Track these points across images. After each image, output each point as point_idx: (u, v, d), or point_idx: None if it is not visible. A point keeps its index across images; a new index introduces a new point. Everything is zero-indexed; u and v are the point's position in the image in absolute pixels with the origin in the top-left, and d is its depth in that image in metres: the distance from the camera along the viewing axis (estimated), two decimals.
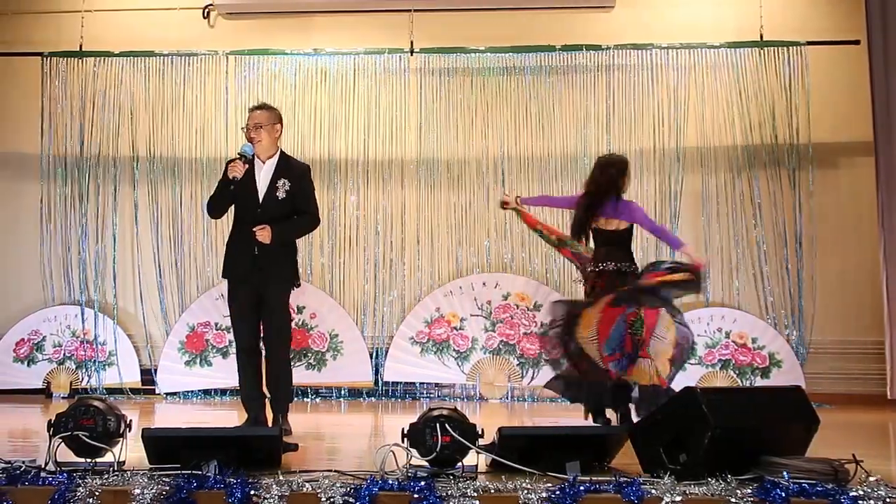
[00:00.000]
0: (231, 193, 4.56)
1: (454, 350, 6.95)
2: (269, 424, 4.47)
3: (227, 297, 4.66)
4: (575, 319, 4.75)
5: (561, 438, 3.18)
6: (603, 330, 4.68)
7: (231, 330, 4.88)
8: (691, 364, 6.72)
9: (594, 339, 4.69)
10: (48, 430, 2.96)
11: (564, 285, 7.06)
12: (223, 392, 6.96)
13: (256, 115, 4.63)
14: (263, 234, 4.42)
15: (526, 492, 2.64)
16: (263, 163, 4.61)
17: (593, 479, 2.73)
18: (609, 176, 4.93)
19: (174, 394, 6.96)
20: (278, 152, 4.68)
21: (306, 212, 4.66)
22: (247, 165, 4.49)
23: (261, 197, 4.55)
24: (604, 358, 4.67)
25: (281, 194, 4.55)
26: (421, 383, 7.00)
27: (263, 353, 4.65)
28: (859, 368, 6.78)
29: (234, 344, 4.92)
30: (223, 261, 4.75)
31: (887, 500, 2.57)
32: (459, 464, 2.94)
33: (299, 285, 4.82)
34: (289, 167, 4.66)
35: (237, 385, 4.79)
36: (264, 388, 4.64)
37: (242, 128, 4.70)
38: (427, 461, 2.93)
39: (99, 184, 7.38)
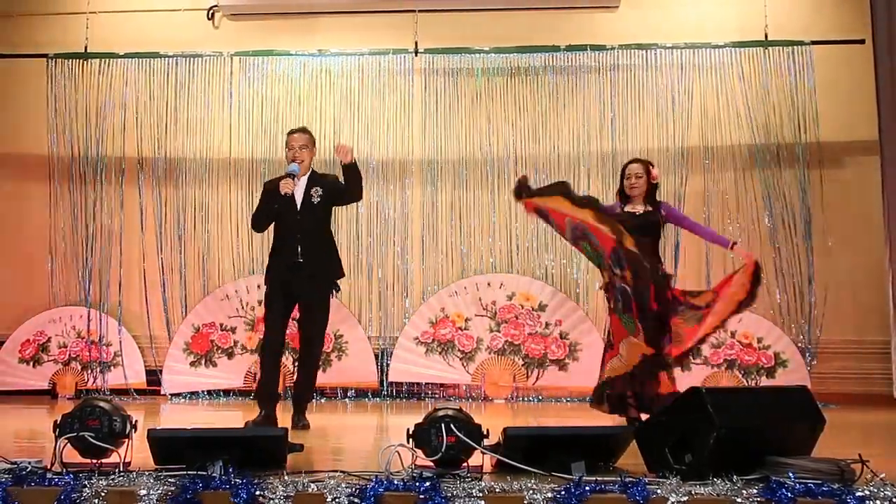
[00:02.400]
0: (276, 210, 4.93)
1: (459, 350, 6.95)
2: (278, 423, 4.62)
3: (265, 300, 4.98)
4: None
5: (566, 438, 3.17)
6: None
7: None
8: (696, 364, 6.73)
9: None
10: (54, 431, 2.96)
11: (569, 285, 7.07)
12: (228, 393, 6.97)
13: (299, 137, 5.01)
14: (344, 150, 4.78)
15: (531, 492, 2.64)
16: (298, 179, 4.96)
17: (598, 479, 2.73)
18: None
19: (179, 394, 6.97)
20: (310, 171, 5.05)
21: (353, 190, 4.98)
22: (297, 182, 4.88)
23: (298, 205, 4.91)
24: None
25: (315, 199, 4.92)
26: (426, 384, 7.01)
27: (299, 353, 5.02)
28: (867, 368, 6.76)
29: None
30: (266, 268, 5.03)
31: (894, 500, 2.56)
32: (465, 464, 2.94)
33: (343, 275, 5.12)
34: (320, 178, 5.05)
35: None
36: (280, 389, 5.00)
37: (286, 149, 5.03)
38: (432, 461, 2.93)
39: (104, 185, 7.40)
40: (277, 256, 4.96)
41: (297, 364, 5.08)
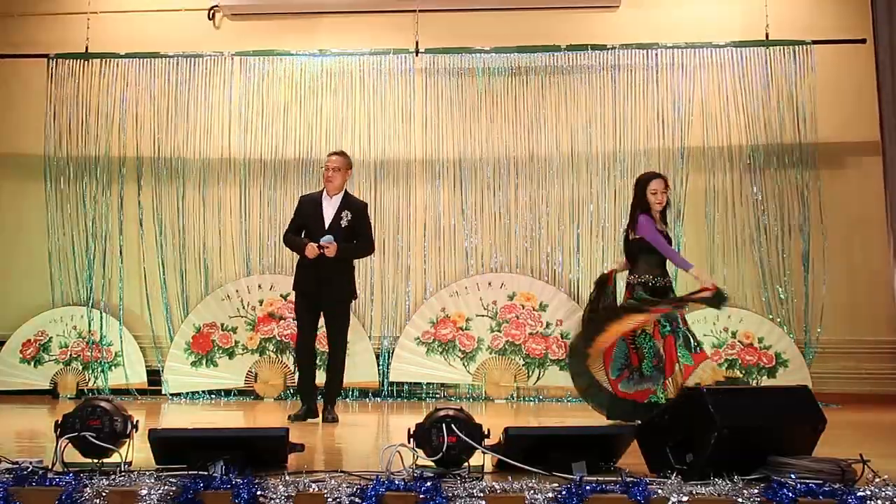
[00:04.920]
0: (304, 234, 5.45)
1: (460, 350, 6.95)
2: (318, 415, 5.33)
3: (294, 307, 5.60)
4: (584, 352, 5.05)
5: (567, 438, 3.17)
6: (608, 354, 5.02)
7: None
8: None
9: (601, 368, 5.04)
10: (55, 431, 2.96)
11: (570, 285, 7.07)
12: (229, 392, 6.97)
13: (334, 160, 5.48)
14: (330, 250, 5.20)
15: (532, 492, 2.64)
16: (331, 198, 5.45)
17: (599, 479, 2.72)
18: (635, 191, 5.24)
19: (180, 394, 6.97)
20: (343, 192, 5.49)
21: (364, 239, 5.50)
22: (321, 251, 5.23)
23: (327, 224, 5.35)
24: (611, 381, 5.01)
25: (344, 223, 5.37)
26: (427, 383, 7.01)
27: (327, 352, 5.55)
28: (868, 368, 6.76)
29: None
30: (294, 276, 5.51)
31: (894, 500, 2.56)
32: (466, 464, 2.94)
33: (357, 297, 5.63)
34: (351, 203, 5.49)
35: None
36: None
37: (321, 168, 5.58)
38: (433, 461, 2.93)
39: (104, 184, 7.41)
40: (304, 269, 5.39)
41: (325, 365, 5.54)
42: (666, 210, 5.22)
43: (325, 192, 5.48)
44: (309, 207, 5.47)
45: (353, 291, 5.53)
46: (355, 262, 5.65)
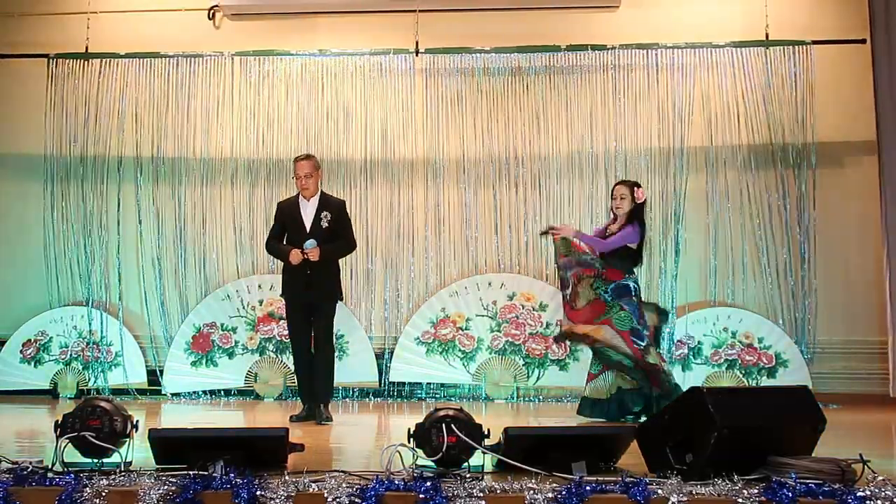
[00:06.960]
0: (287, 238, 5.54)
1: (460, 350, 6.95)
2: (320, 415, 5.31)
3: (286, 313, 5.64)
4: None
5: (567, 438, 3.18)
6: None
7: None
8: (697, 364, 6.74)
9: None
10: (55, 431, 2.97)
11: None
12: (229, 392, 6.97)
13: (304, 165, 5.49)
14: (314, 254, 5.28)
15: (532, 492, 2.64)
16: (308, 201, 5.51)
17: (599, 479, 2.73)
18: None
19: (180, 394, 6.97)
20: (319, 192, 5.55)
21: (346, 238, 5.57)
22: (305, 256, 5.31)
23: (308, 227, 5.43)
24: None
25: (324, 224, 5.44)
26: (427, 383, 7.00)
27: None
28: (868, 368, 6.75)
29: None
30: (281, 283, 5.61)
31: (894, 500, 2.56)
32: (466, 464, 2.94)
33: (342, 298, 5.76)
34: (328, 203, 5.56)
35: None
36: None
37: (293, 177, 5.61)
38: (433, 461, 2.93)
39: (104, 185, 7.39)
40: (291, 275, 5.45)
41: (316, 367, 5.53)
42: (639, 213, 5.41)
43: (300, 196, 5.55)
44: (288, 212, 5.55)
45: (340, 292, 5.64)
46: (349, 263, 5.66)
